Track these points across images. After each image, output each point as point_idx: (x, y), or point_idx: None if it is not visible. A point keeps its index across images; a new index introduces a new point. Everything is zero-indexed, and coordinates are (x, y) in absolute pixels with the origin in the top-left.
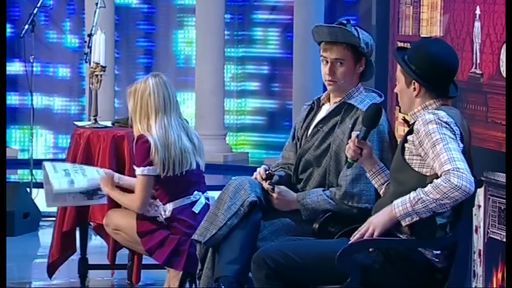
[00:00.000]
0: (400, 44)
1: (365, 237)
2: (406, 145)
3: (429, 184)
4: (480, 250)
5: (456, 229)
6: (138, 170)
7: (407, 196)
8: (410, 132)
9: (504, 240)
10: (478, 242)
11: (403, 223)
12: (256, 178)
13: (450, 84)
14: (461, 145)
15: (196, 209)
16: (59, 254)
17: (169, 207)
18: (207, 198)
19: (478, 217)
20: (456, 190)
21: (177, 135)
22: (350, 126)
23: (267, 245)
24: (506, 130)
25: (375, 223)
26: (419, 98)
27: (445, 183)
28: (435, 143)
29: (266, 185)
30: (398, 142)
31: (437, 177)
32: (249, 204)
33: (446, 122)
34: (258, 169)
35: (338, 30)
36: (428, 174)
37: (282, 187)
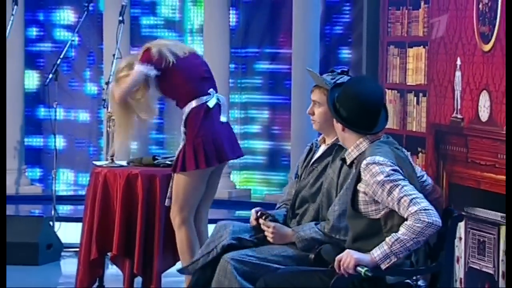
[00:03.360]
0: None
1: (342, 267)
2: (359, 196)
3: (401, 227)
4: (461, 279)
5: (440, 259)
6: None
7: (383, 242)
8: (358, 181)
9: (483, 270)
10: (459, 271)
11: (383, 266)
12: (252, 222)
13: (377, 120)
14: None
15: (211, 104)
16: (88, 281)
17: (193, 103)
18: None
19: (460, 248)
20: (430, 226)
21: None
22: (339, 165)
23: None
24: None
25: (355, 258)
26: (347, 134)
27: (419, 223)
28: (391, 190)
29: (261, 220)
30: (347, 192)
31: (398, 221)
32: (222, 247)
33: (389, 166)
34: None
35: (313, 75)
36: (379, 217)
37: (277, 223)
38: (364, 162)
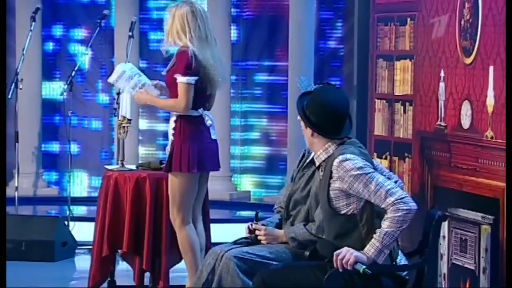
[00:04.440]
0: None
1: (343, 262)
2: (331, 194)
3: (384, 221)
4: (444, 274)
5: (425, 256)
6: (182, 79)
7: (372, 240)
8: (329, 177)
9: (465, 266)
10: (443, 267)
11: (379, 262)
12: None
13: (344, 125)
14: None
15: (208, 123)
16: (100, 276)
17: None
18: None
19: (443, 246)
20: (409, 213)
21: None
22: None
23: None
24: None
25: (354, 256)
26: (316, 139)
27: (398, 212)
28: (367, 183)
29: (254, 225)
30: (321, 193)
31: (370, 212)
32: (221, 258)
33: (361, 161)
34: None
35: (299, 85)
36: (354, 212)
37: (268, 226)
38: (336, 160)
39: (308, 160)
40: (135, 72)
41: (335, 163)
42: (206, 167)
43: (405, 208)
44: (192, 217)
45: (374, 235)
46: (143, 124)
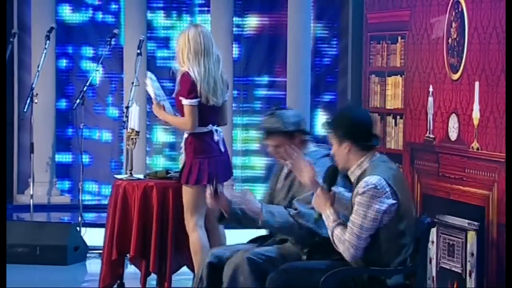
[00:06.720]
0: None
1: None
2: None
3: (341, 228)
4: (433, 277)
5: (415, 260)
6: (185, 101)
7: (337, 218)
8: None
9: (453, 269)
10: (432, 270)
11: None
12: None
13: (372, 137)
14: (379, 217)
15: (215, 138)
16: (110, 278)
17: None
18: (216, 130)
19: (432, 251)
20: (338, 247)
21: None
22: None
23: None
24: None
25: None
26: (351, 154)
27: (341, 246)
28: (355, 211)
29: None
30: (351, 201)
31: (390, 233)
32: (207, 265)
33: (375, 194)
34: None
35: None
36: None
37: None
38: (365, 179)
39: (287, 172)
40: (157, 86)
41: (363, 182)
42: (217, 179)
43: (340, 249)
44: (207, 219)
45: (341, 223)
46: (150, 135)
